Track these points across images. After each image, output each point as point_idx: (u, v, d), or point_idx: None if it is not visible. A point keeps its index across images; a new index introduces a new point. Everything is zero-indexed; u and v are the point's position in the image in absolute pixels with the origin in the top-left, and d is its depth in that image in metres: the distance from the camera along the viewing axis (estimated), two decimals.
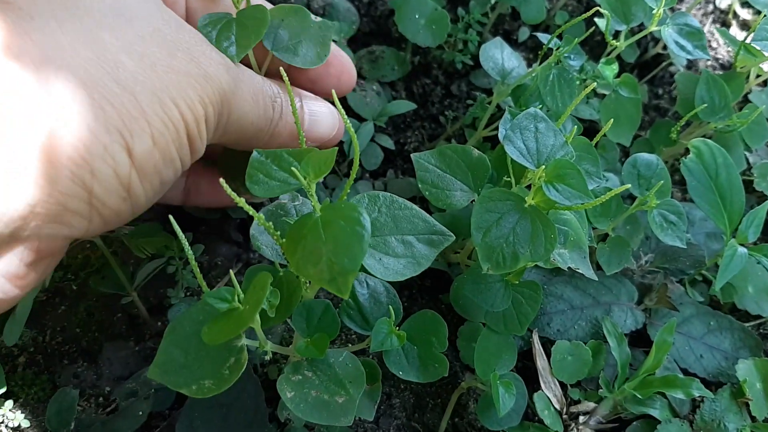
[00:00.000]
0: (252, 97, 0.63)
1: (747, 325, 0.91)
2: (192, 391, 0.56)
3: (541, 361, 0.80)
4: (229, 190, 0.50)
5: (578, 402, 0.81)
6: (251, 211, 0.52)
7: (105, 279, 0.78)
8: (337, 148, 0.58)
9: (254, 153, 0.60)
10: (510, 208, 0.63)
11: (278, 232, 0.56)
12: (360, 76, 1.05)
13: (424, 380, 0.67)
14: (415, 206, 0.63)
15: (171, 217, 0.53)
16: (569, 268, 0.68)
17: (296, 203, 0.66)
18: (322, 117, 0.74)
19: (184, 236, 0.53)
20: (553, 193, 0.60)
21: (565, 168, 0.61)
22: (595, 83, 0.72)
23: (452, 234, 0.62)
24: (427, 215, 0.62)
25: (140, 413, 0.70)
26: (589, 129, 1.07)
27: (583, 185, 0.60)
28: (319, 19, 0.72)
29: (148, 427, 0.73)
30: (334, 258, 0.50)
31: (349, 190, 0.57)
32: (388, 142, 1.00)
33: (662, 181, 0.78)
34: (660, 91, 1.21)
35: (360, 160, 0.98)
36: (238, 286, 0.53)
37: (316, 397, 0.60)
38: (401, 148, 1.04)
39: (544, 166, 0.61)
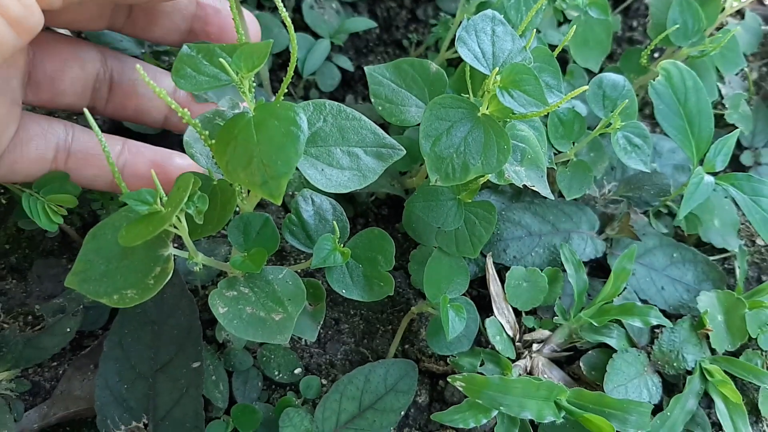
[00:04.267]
0: None
1: (711, 258, 0.88)
2: (113, 301, 0.52)
3: (494, 287, 0.77)
4: (162, 94, 0.45)
5: (532, 330, 0.78)
6: (179, 110, 0.47)
7: (22, 212, 0.71)
8: (272, 40, 0.54)
9: (183, 47, 0.55)
10: (462, 116, 0.58)
11: (207, 132, 0.51)
12: None
13: (368, 299, 0.64)
14: (363, 117, 0.58)
15: (86, 110, 0.48)
16: (525, 186, 0.65)
17: (236, 111, 0.62)
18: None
19: (101, 133, 0.48)
20: (508, 99, 0.56)
21: (522, 73, 0.56)
22: None
23: (402, 148, 0.58)
24: (377, 127, 0.58)
25: (68, 330, 0.66)
26: (558, 59, 1.03)
27: (540, 92, 0.56)
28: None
29: (78, 347, 0.69)
30: (266, 160, 0.47)
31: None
32: (347, 63, 0.95)
33: (627, 101, 0.74)
34: (634, 23, 1.17)
35: (316, 81, 0.93)
36: (161, 188, 0.49)
37: (252, 313, 0.57)
38: (363, 73, 0.99)
39: (498, 70, 0.56)
